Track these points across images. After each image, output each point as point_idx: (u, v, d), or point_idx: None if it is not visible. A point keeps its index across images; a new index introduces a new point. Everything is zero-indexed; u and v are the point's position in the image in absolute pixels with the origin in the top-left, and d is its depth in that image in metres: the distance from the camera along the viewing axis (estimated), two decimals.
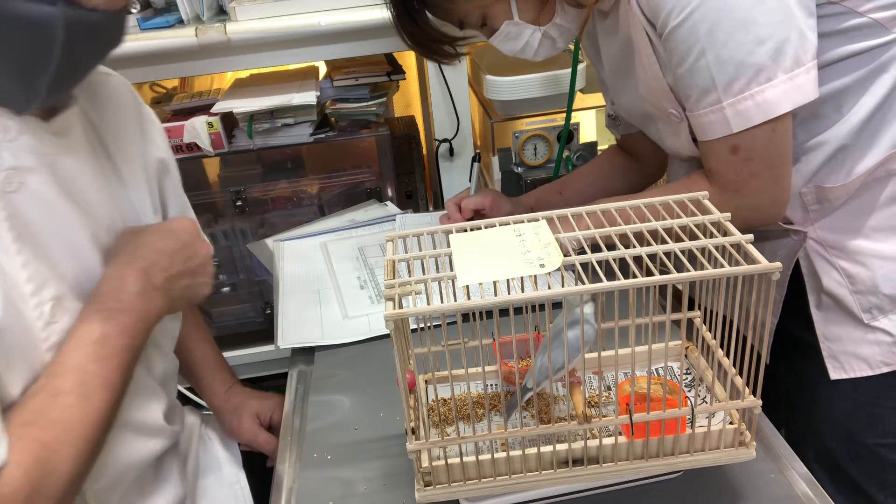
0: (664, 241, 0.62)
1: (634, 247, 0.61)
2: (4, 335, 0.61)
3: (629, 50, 0.88)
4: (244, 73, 1.53)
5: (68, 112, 0.71)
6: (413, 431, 0.63)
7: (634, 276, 0.57)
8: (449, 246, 0.65)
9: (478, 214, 1.13)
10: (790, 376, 1.01)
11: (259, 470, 1.01)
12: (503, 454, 0.64)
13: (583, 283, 0.58)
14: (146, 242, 0.74)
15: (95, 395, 0.64)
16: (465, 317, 0.68)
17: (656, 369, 0.76)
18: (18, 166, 0.64)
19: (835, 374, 0.92)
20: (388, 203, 1.44)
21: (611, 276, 0.57)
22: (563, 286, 0.59)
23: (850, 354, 0.91)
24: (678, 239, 0.63)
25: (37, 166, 0.66)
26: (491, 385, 0.76)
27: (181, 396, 1.09)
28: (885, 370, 0.90)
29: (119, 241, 0.75)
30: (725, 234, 0.63)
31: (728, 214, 0.65)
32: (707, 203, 0.68)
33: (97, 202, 0.73)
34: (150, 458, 0.79)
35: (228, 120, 1.39)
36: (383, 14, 0.94)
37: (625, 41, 0.88)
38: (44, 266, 0.65)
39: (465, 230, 0.67)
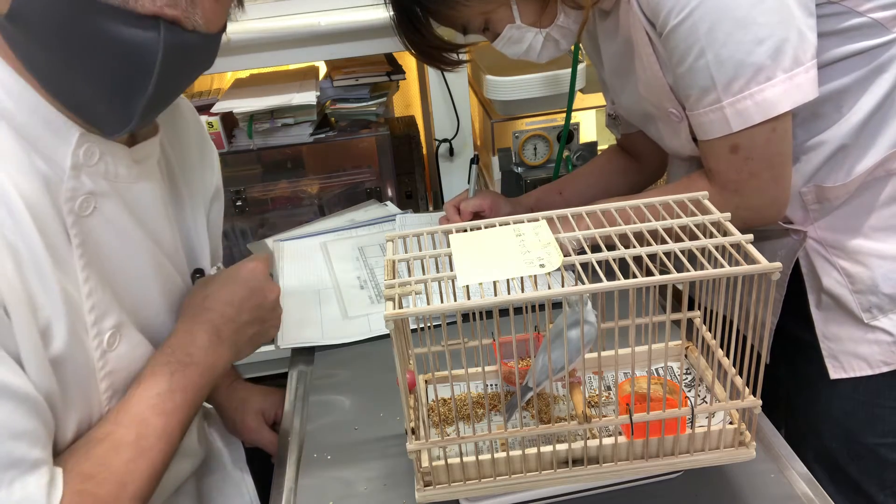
0: (664, 241, 0.62)
1: (634, 247, 0.61)
2: (66, 367, 0.61)
3: (629, 50, 0.88)
4: (244, 73, 1.53)
5: (151, 140, 0.71)
6: (413, 431, 0.63)
7: (634, 276, 0.57)
8: (449, 246, 0.65)
9: (477, 216, 1.13)
10: (790, 376, 1.01)
11: (260, 469, 1.00)
12: (503, 454, 0.64)
13: (583, 283, 0.58)
14: (214, 294, 0.75)
15: (154, 448, 0.65)
16: (465, 317, 0.68)
17: (656, 369, 0.76)
18: (95, 191, 0.64)
19: (835, 373, 0.92)
20: (388, 203, 1.44)
21: (611, 276, 0.57)
22: (563, 286, 0.59)
23: (849, 354, 0.91)
24: (678, 239, 0.63)
25: (112, 192, 0.66)
26: (491, 385, 0.76)
27: None
28: (884, 369, 0.90)
29: (191, 293, 0.76)
30: (725, 234, 0.63)
31: (728, 214, 0.65)
32: (707, 203, 0.68)
33: (163, 230, 0.74)
34: (184, 478, 0.80)
35: (228, 120, 1.39)
36: (383, 14, 0.94)
37: (625, 41, 0.88)
38: (107, 294, 0.65)
39: (465, 230, 0.67)
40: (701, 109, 0.80)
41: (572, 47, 1.33)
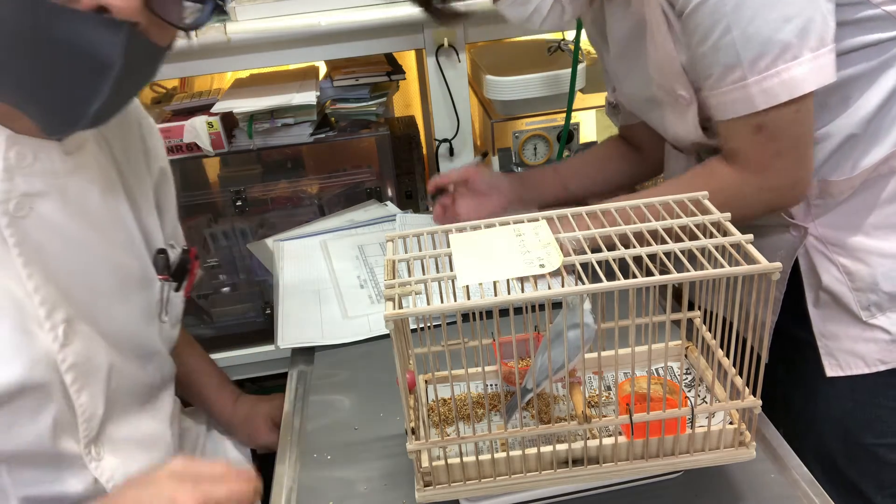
0: (664, 241, 0.62)
1: (634, 247, 0.61)
2: (23, 358, 0.62)
3: (639, 31, 0.87)
4: (244, 73, 1.53)
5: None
6: (413, 431, 0.63)
7: (634, 276, 0.57)
8: (449, 246, 0.65)
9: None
10: (787, 375, 1.02)
11: (260, 468, 1.01)
12: (503, 454, 0.64)
13: (583, 282, 0.58)
14: None
15: None
16: (465, 317, 0.68)
17: (656, 369, 0.76)
18: (29, 192, 0.64)
19: (831, 371, 0.92)
20: (388, 203, 1.44)
21: (611, 276, 0.57)
22: (563, 286, 0.59)
23: (846, 352, 0.91)
24: (678, 239, 0.63)
25: (47, 190, 0.65)
26: (491, 385, 0.76)
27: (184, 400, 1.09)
28: (881, 368, 0.90)
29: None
30: (725, 234, 0.63)
31: (728, 214, 0.65)
32: (707, 203, 0.68)
33: (108, 220, 0.73)
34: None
35: (228, 120, 1.39)
36: (383, 14, 0.94)
37: (636, 22, 0.87)
38: (53, 289, 0.65)
39: (465, 230, 0.67)
40: (724, 88, 0.78)
41: (571, 47, 1.34)
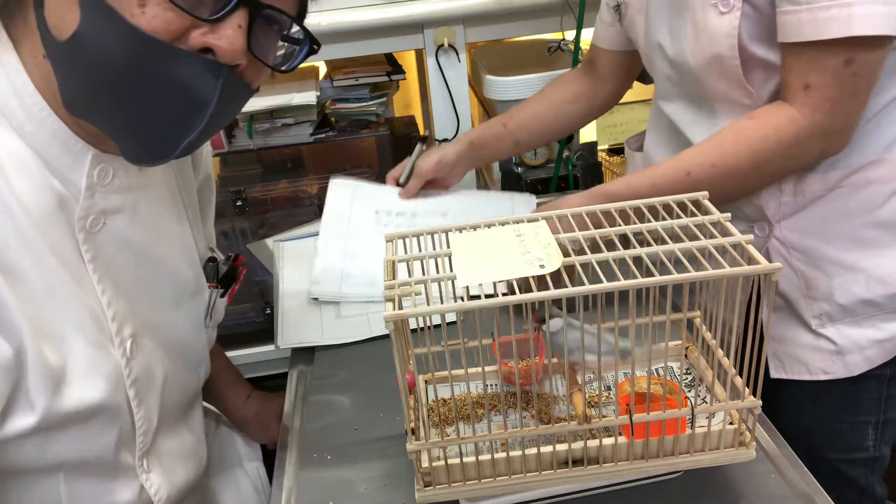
0: (664, 242, 0.62)
1: (634, 247, 0.61)
2: (100, 375, 0.63)
3: None
4: None
5: None
6: (413, 432, 0.63)
7: (634, 277, 0.57)
8: (449, 246, 0.65)
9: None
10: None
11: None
12: (503, 454, 0.64)
13: (582, 283, 0.58)
14: None
15: None
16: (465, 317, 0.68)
17: (656, 369, 0.76)
18: (106, 209, 0.65)
19: (775, 373, 0.92)
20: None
21: (611, 276, 0.57)
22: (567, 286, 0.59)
23: (791, 357, 0.92)
24: (678, 239, 0.63)
25: (122, 206, 0.66)
26: (491, 385, 0.76)
27: None
28: (822, 377, 0.90)
29: None
30: (725, 234, 0.63)
31: (728, 215, 0.65)
32: (707, 203, 0.68)
33: (171, 232, 0.75)
34: (192, 480, 0.80)
35: None
36: (383, 14, 0.94)
37: None
38: (123, 304, 0.67)
39: (465, 230, 0.67)
40: (823, 3, 0.72)
41: (571, 47, 1.34)
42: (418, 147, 1.25)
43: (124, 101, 0.57)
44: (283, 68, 0.63)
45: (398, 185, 1.22)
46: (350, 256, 1.12)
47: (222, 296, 0.84)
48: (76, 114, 0.59)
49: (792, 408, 0.94)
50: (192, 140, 0.60)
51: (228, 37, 0.55)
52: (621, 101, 1.19)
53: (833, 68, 0.75)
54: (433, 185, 1.22)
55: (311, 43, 0.63)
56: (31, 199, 0.59)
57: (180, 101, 0.57)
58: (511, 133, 1.17)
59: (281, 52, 0.64)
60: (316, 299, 1.07)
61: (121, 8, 0.52)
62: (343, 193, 1.23)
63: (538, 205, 1.24)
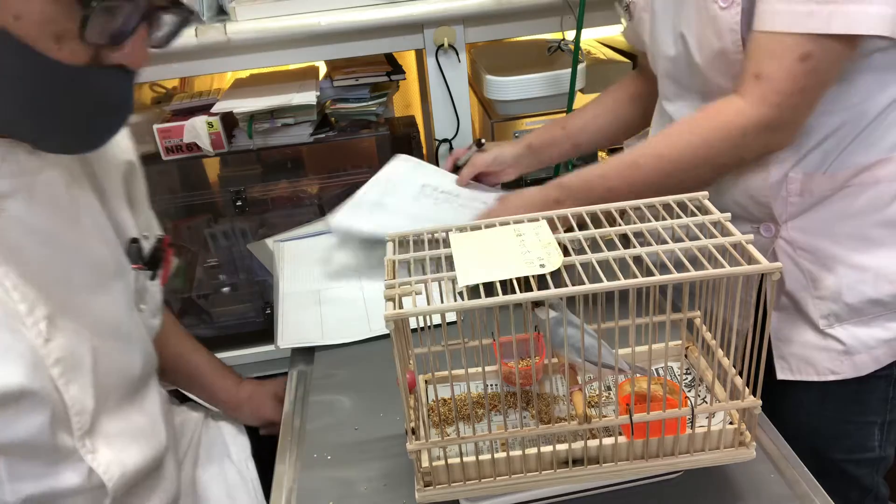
0: (664, 242, 0.62)
1: (634, 247, 0.61)
2: (16, 358, 0.63)
3: None
4: (244, 73, 1.53)
5: None
6: (413, 431, 0.63)
7: (634, 276, 0.57)
8: (449, 246, 0.65)
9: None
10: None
11: (260, 468, 1.01)
12: (503, 454, 0.64)
13: (582, 283, 0.58)
14: None
15: None
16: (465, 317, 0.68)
17: (656, 369, 0.76)
18: (1, 193, 0.65)
19: (781, 374, 0.92)
20: None
21: (611, 276, 0.57)
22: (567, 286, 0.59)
23: (799, 357, 0.91)
24: (678, 239, 0.63)
25: (16, 189, 0.67)
26: (491, 385, 0.76)
27: (178, 392, 1.09)
28: (830, 378, 0.89)
29: None
30: (725, 234, 0.63)
31: (728, 214, 0.65)
32: (707, 203, 0.68)
33: (77, 212, 0.74)
34: (149, 461, 0.80)
35: (228, 120, 1.39)
36: (383, 14, 0.94)
37: None
38: (30, 287, 0.67)
39: (466, 230, 0.67)
40: None
41: (571, 47, 1.34)
42: (473, 148, 1.27)
43: (47, 116, 0.63)
44: (165, 44, 0.69)
45: (456, 168, 1.26)
46: (377, 207, 1.18)
47: (152, 278, 0.85)
48: None
49: (797, 408, 0.94)
50: (113, 134, 0.69)
51: (136, 52, 0.63)
52: None
53: (789, 60, 0.75)
54: (487, 177, 1.24)
55: (186, 13, 0.67)
56: None
57: (102, 108, 0.66)
58: (569, 136, 1.16)
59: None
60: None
61: (37, 45, 0.58)
62: (400, 165, 1.30)
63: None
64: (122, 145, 0.87)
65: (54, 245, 0.71)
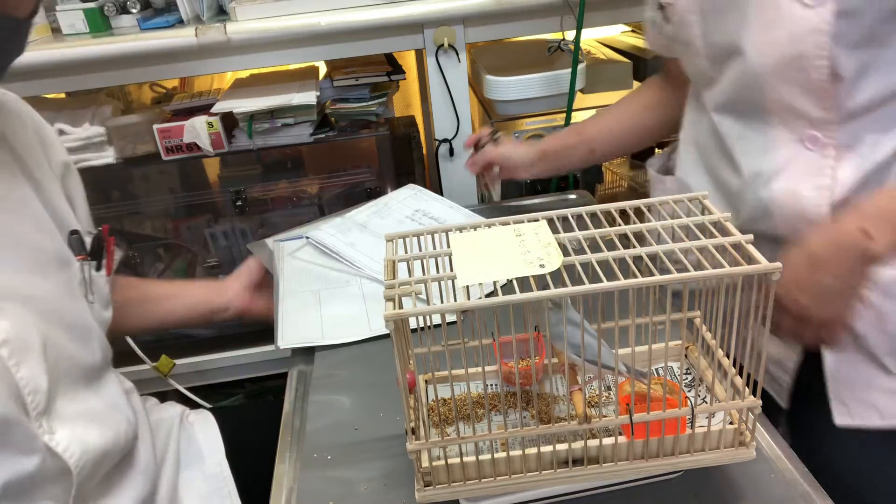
0: (664, 242, 0.62)
1: (634, 247, 0.61)
2: None
3: None
4: (244, 73, 1.53)
5: None
6: (413, 431, 0.63)
7: (634, 276, 0.57)
8: (449, 246, 0.65)
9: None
10: (788, 422, 0.91)
11: (260, 469, 1.01)
12: (503, 454, 0.64)
13: (582, 283, 0.58)
14: None
15: None
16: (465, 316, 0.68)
17: (656, 369, 0.76)
18: None
19: (840, 419, 0.80)
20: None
21: (611, 276, 0.57)
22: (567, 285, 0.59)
23: (860, 401, 0.80)
24: (678, 239, 0.63)
25: None
26: (491, 385, 0.76)
27: (177, 393, 1.09)
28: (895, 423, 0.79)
29: None
30: (725, 233, 0.63)
31: (728, 214, 0.65)
32: (707, 203, 0.68)
33: (11, 202, 0.76)
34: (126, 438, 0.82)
35: (228, 120, 1.39)
36: (383, 14, 0.93)
37: None
38: None
39: (466, 230, 0.67)
40: None
41: (571, 47, 1.34)
42: (497, 135, 1.24)
43: None
44: None
45: (475, 147, 1.23)
46: (361, 228, 1.22)
47: (97, 269, 0.86)
48: None
49: (836, 448, 0.85)
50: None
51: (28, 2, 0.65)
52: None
53: None
54: (500, 172, 1.21)
55: None
56: None
57: None
58: (586, 141, 1.11)
59: None
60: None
61: None
62: (405, 191, 1.32)
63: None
64: (55, 146, 0.89)
65: None
